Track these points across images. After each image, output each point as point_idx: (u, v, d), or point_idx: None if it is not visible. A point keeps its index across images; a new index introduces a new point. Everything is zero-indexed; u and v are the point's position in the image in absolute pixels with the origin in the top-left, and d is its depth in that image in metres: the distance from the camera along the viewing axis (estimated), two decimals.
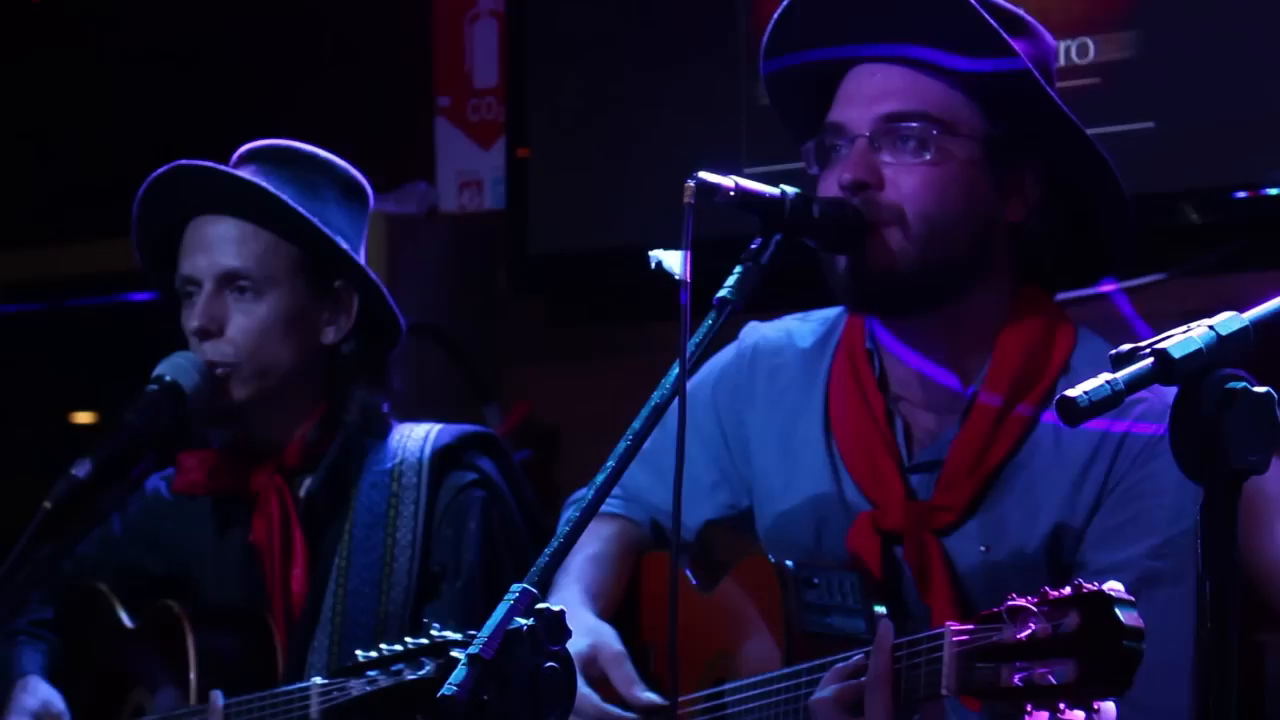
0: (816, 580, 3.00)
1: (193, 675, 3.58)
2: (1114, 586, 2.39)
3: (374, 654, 3.05)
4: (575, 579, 3.25)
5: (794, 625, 2.98)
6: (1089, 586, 2.40)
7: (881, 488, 3.10)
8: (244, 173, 3.68)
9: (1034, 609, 2.42)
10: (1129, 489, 2.99)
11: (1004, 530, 3.04)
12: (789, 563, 3.03)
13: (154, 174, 3.70)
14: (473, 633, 2.42)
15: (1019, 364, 3.07)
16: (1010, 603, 2.45)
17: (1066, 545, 3.01)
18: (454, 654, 2.92)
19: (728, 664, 3.12)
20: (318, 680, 3.20)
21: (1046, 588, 2.44)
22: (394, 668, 3.00)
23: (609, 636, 3.17)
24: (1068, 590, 2.41)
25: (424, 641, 2.96)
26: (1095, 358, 3.06)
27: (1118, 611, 2.37)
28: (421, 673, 2.96)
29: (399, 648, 3.01)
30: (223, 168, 3.68)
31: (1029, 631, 2.41)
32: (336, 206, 3.72)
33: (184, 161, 3.67)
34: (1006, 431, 3.05)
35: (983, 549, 3.04)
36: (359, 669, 3.06)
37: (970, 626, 2.51)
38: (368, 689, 3.03)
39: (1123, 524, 2.99)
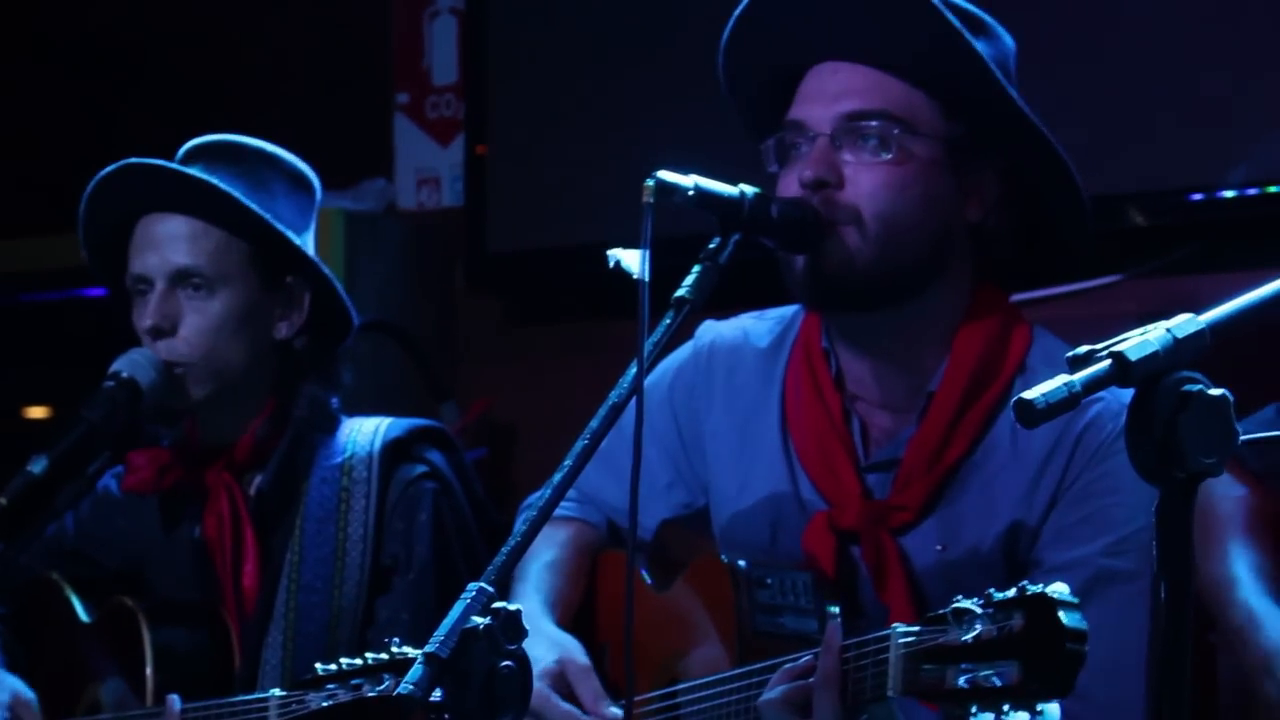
0: (769, 580, 3.00)
1: (149, 671, 3.57)
2: (1058, 588, 2.40)
3: (333, 667, 3.03)
4: (535, 588, 3.25)
5: (746, 626, 2.98)
6: (1033, 589, 2.41)
7: (838, 487, 3.10)
8: (192, 170, 3.66)
9: (979, 611, 2.43)
10: (1085, 487, 3.01)
11: (961, 529, 3.05)
12: (741, 563, 3.03)
13: (102, 172, 3.68)
14: (431, 651, 2.42)
15: (975, 363, 3.07)
16: (956, 604, 2.46)
17: (1022, 543, 3.03)
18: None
19: (682, 664, 3.12)
20: (276, 692, 3.19)
21: (992, 590, 2.45)
22: (354, 682, 2.99)
23: (574, 650, 3.17)
24: (1012, 592, 2.42)
25: (384, 657, 2.95)
26: (1051, 357, 3.08)
27: (1061, 614, 2.38)
28: (380, 688, 2.95)
29: (359, 662, 3.00)
30: (172, 165, 3.67)
31: (974, 633, 2.42)
32: (285, 199, 3.72)
33: (133, 160, 3.65)
34: (963, 430, 3.06)
35: (939, 548, 3.05)
36: (318, 682, 3.05)
37: (916, 628, 2.52)
38: (326, 703, 3.01)
39: (1078, 522, 3.00)
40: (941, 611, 2.48)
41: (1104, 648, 2.85)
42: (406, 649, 2.93)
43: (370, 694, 2.94)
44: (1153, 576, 2.88)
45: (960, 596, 2.48)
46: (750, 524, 3.20)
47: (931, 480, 3.05)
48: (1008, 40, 3.14)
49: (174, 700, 3.42)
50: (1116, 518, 2.99)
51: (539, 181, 4.97)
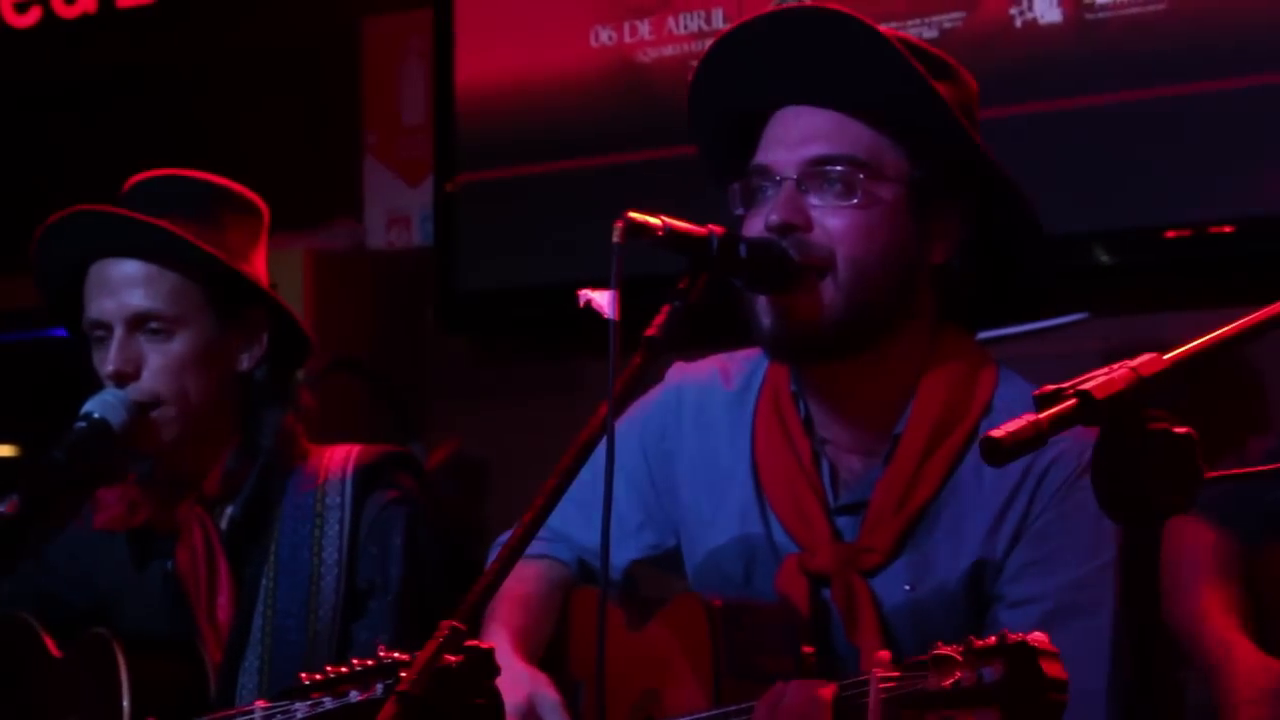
0: (746, 619, 3.01)
1: (125, 703, 3.56)
2: (1038, 637, 2.41)
3: (319, 676, 3.03)
4: (504, 624, 3.25)
5: (722, 665, 2.99)
6: (1014, 637, 2.41)
7: (808, 530, 3.11)
8: (140, 210, 3.66)
9: (958, 657, 2.42)
10: (1048, 525, 3.02)
11: (929, 569, 3.06)
12: (717, 601, 3.04)
13: (51, 218, 3.68)
14: (403, 690, 2.40)
15: (941, 405, 3.09)
16: (935, 650, 2.46)
17: (986, 579, 3.04)
18: (403, 674, 2.91)
19: (656, 703, 3.12)
20: (259, 704, 3.18)
21: (971, 637, 2.46)
22: (341, 689, 2.98)
23: (544, 686, 3.16)
24: (992, 640, 2.42)
25: (371, 663, 2.94)
26: (1017, 397, 3.09)
27: (1041, 663, 2.38)
28: (371, 695, 2.94)
29: (345, 670, 2.99)
30: (121, 212, 3.66)
31: (954, 679, 2.42)
32: (234, 229, 3.72)
33: (82, 207, 3.64)
34: (930, 472, 3.07)
35: (907, 588, 3.06)
36: (304, 691, 3.04)
37: (896, 673, 2.53)
38: (313, 711, 3.01)
39: (1041, 558, 3.02)
40: (921, 658, 2.48)
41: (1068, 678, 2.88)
42: (395, 653, 2.92)
43: (354, 699, 2.93)
44: (1115, 613, 2.94)
45: (939, 643, 2.48)
46: (723, 565, 3.21)
47: (900, 522, 3.06)
48: (970, 82, 3.16)
49: None
50: (1078, 555, 3.00)
51: (508, 221, 4.99)
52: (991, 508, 3.04)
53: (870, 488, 3.09)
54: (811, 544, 3.10)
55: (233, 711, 3.29)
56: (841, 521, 3.12)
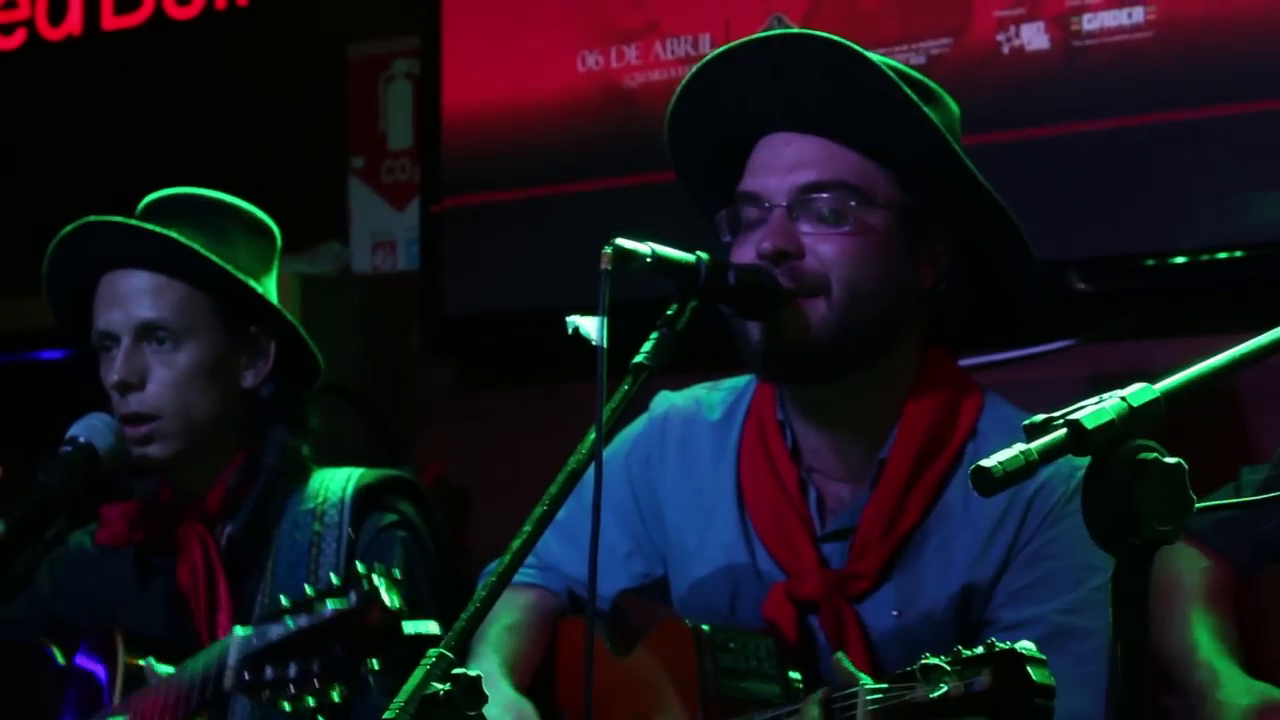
0: (732, 645, 3.01)
1: (119, 682, 3.56)
2: (1026, 645, 2.42)
3: (295, 597, 3.03)
4: (493, 650, 3.25)
5: (709, 690, 2.98)
6: (1001, 645, 2.41)
7: (795, 558, 3.11)
8: (151, 224, 3.67)
9: (947, 668, 2.43)
10: (1037, 550, 3.03)
11: (917, 594, 3.06)
12: (705, 626, 3.03)
13: (62, 232, 3.69)
14: (391, 718, 2.40)
15: (927, 429, 3.09)
16: (923, 661, 2.46)
17: (975, 604, 3.04)
18: (374, 579, 2.91)
19: None
20: (237, 630, 3.17)
21: (959, 647, 2.46)
22: (315, 605, 2.98)
23: (529, 714, 3.17)
24: (980, 649, 2.42)
25: (344, 580, 2.96)
26: (1003, 422, 3.10)
27: (1029, 670, 2.39)
28: (344, 605, 2.94)
29: (320, 589, 3.00)
30: (131, 221, 3.68)
31: (942, 690, 2.43)
32: (245, 248, 3.73)
33: (92, 219, 3.66)
34: (916, 497, 3.07)
35: (895, 613, 3.06)
36: (278, 614, 3.05)
37: (884, 685, 2.52)
38: (287, 632, 3.01)
39: (1032, 584, 3.02)
40: (910, 669, 2.49)
41: (1062, 704, 2.87)
42: (372, 572, 2.93)
43: (329, 614, 2.93)
44: (1108, 640, 2.93)
45: (927, 654, 2.48)
46: (709, 594, 3.21)
47: (887, 548, 3.06)
48: (954, 106, 3.17)
49: (151, 661, 3.41)
50: (1070, 579, 3.01)
51: (495, 245, 4.98)
52: (980, 531, 3.05)
53: (857, 514, 3.09)
54: (799, 571, 3.10)
55: (213, 645, 3.27)
56: (828, 549, 3.12)
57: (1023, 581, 3.03)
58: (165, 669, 3.37)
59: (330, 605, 2.98)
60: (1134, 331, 4.19)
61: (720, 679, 2.98)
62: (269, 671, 3.05)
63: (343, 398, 4.86)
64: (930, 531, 3.08)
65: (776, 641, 3.03)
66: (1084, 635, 2.98)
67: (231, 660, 3.13)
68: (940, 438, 3.10)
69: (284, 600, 3.08)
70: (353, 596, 2.95)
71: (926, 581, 3.06)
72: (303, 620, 3.00)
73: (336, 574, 3.62)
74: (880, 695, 2.53)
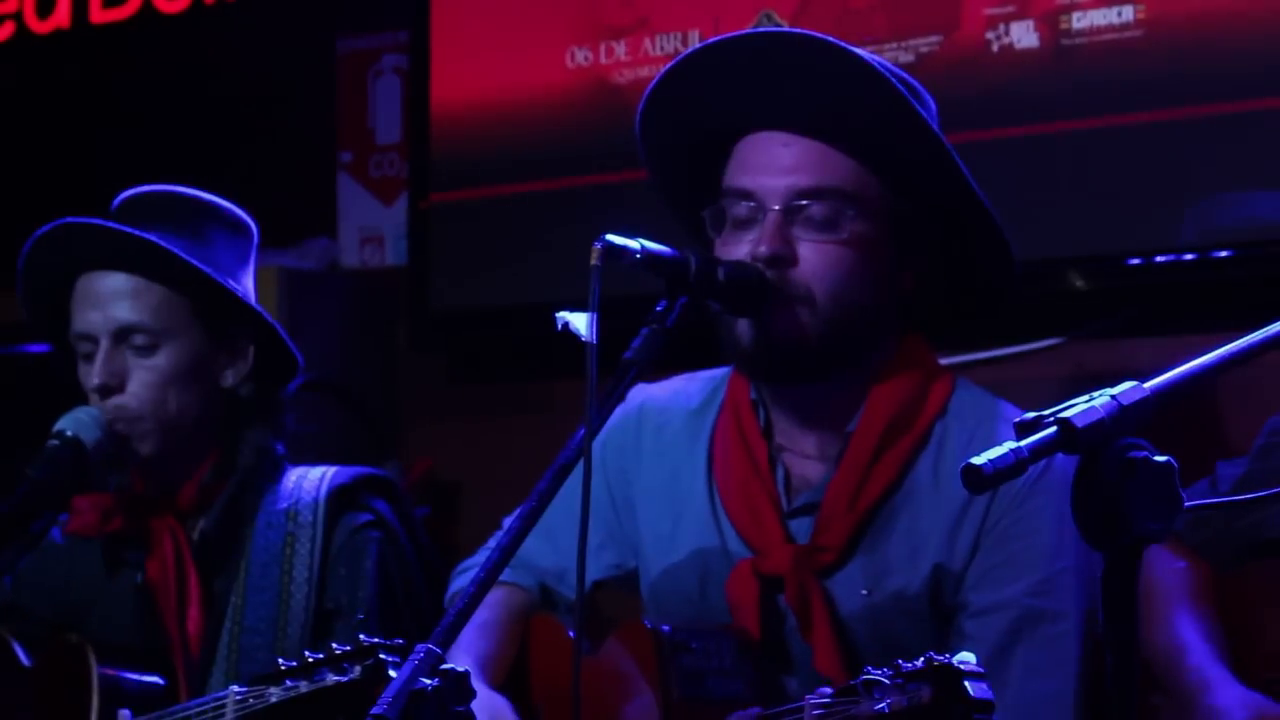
0: (694, 645, 3.01)
1: (95, 701, 3.54)
2: (964, 659, 2.43)
3: (295, 662, 3.01)
4: (465, 650, 3.24)
5: (671, 692, 2.99)
6: (939, 659, 2.43)
7: (761, 533, 3.12)
8: (128, 224, 3.66)
9: (888, 681, 2.45)
10: (1006, 530, 3.04)
11: (886, 572, 3.06)
12: (665, 627, 3.04)
13: (38, 232, 3.68)
14: (400, 641, 2.39)
15: (895, 406, 3.10)
16: (866, 675, 2.48)
17: (947, 587, 3.05)
18: (382, 656, 2.89)
19: None
20: (235, 688, 3.16)
21: (900, 660, 2.48)
22: (317, 673, 2.96)
23: (505, 710, 3.17)
24: (920, 663, 2.45)
25: (349, 648, 2.93)
26: (972, 404, 3.13)
27: (967, 685, 2.41)
28: (347, 677, 2.92)
29: (322, 655, 2.97)
30: (110, 224, 3.66)
31: (886, 703, 2.45)
32: (223, 248, 3.72)
33: (70, 219, 3.64)
34: (882, 471, 3.08)
35: (864, 592, 3.07)
36: (278, 677, 3.03)
37: (828, 699, 2.54)
38: (287, 695, 2.99)
39: (1001, 564, 3.03)
40: (852, 683, 2.50)
41: (1034, 687, 2.89)
42: (376, 638, 2.91)
43: (330, 682, 2.91)
44: (1079, 620, 2.94)
45: (868, 669, 2.50)
46: (679, 579, 3.21)
47: (852, 520, 3.07)
48: (933, 104, 3.17)
49: (125, 714, 3.40)
50: (1039, 558, 3.02)
51: (482, 241, 4.98)
52: (949, 511, 3.06)
53: (822, 490, 3.10)
54: (765, 546, 3.10)
55: (206, 699, 3.26)
56: (795, 525, 3.13)
57: (993, 561, 3.04)
58: None
59: (331, 676, 2.94)
60: (1121, 330, 4.19)
61: (681, 680, 2.98)
62: None
63: (330, 393, 4.86)
64: (899, 510, 3.09)
65: (739, 636, 3.04)
66: (1054, 618, 3.00)
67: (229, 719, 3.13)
68: (908, 415, 3.11)
69: (281, 663, 3.05)
70: (357, 670, 2.91)
71: (896, 560, 3.07)
72: (303, 686, 2.96)
73: (309, 574, 3.64)
74: (822, 710, 2.54)
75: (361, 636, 2.91)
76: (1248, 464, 3.21)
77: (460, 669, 2.42)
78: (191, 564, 3.67)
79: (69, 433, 3.58)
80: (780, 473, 3.16)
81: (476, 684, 3.13)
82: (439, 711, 2.38)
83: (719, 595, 3.14)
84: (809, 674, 3.02)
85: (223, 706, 3.15)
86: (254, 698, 3.07)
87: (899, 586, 3.06)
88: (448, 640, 2.50)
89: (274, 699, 3.01)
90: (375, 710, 2.35)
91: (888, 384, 3.11)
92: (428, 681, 2.39)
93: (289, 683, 2.98)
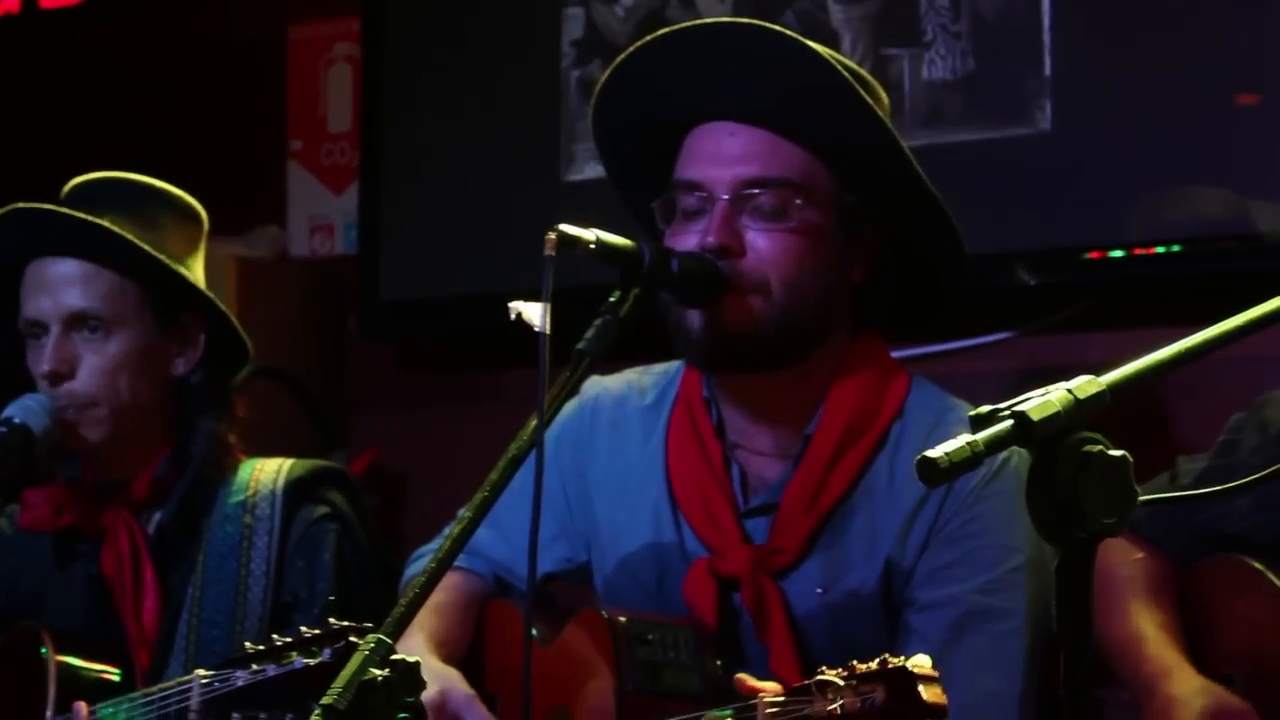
0: (650, 636, 3.01)
1: (52, 690, 3.52)
2: (918, 662, 2.43)
3: (262, 646, 2.99)
4: (418, 628, 3.23)
5: (625, 683, 2.98)
6: (893, 662, 2.44)
7: (718, 533, 3.12)
8: (79, 210, 3.64)
9: (842, 682, 2.46)
10: (957, 529, 3.05)
11: (842, 571, 3.07)
12: (622, 619, 3.03)
13: None
14: (370, 625, 2.36)
15: (853, 407, 3.11)
16: (819, 676, 2.49)
17: (896, 583, 3.07)
18: (352, 640, 2.86)
19: (566, 719, 3.11)
20: (200, 672, 3.14)
21: (854, 661, 2.48)
22: (285, 656, 2.94)
23: (456, 680, 3.17)
24: (874, 664, 2.45)
25: (318, 631, 2.91)
26: (928, 403, 3.13)
27: (920, 688, 2.41)
28: (317, 660, 2.90)
29: (290, 638, 2.95)
30: (61, 209, 3.65)
31: (839, 704, 2.45)
32: (175, 234, 3.71)
33: (21, 204, 3.63)
34: (840, 473, 3.09)
35: (819, 590, 3.07)
36: (245, 660, 3.00)
37: (782, 699, 2.54)
38: (254, 679, 2.96)
39: (951, 563, 3.05)
40: (806, 683, 2.51)
41: (979, 683, 2.90)
42: (344, 622, 2.89)
43: (299, 665, 2.88)
44: (1025, 620, 2.95)
45: (824, 668, 2.50)
46: (636, 574, 3.21)
47: (809, 522, 3.08)
48: (885, 96, 3.17)
49: (79, 706, 3.38)
50: (988, 558, 3.04)
51: (433, 230, 4.96)
52: (903, 510, 3.07)
53: (780, 490, 3.11)
54: (721, 546, 3.11)
55: (171, 683, 3.24)
56: (751, 524, 3.13)
57: (942, 560, 3.06)
58: (107, 711, 3.33)
59: (300, 659, 2.91)
60: (1072, 325, 4.20)
61: (636, 672, 2.98)
62: (236, 718, 3.01)
63: (279, 381, 4.84)
64: (856, 508, 3.10)
65: (697, 630, 3.03)
66: (1001, 615, 3.01)
67: (194, 704, 3.10)
68: (866, 416, 3.12)
69: (249, 646, 3.02)
70: (327, 654, 2.88)
71: (852, 559, 3.08)
72: (270, 669, 2.94)
73: (266, 567, 3.62)
74: (777, 709, 2.54)
75: (331, 620, 2.90)
76: (1210, 459, 3.23)
77: (411, 659, 2.41)
78: (147, 557, 3.66)
79: (16, 420, 3.57)
80: (735, 471, 3.16)
81: (428, 658, 3.17)
82: (388, 702, 2.36)
83: (676, 591, 3.14)
84: (765, 674, 3.02)
85: (188, 691, 3.13)
86: (219, 681, 3.05)
87: (855, 585, 3.07)
88: (398, 630, 2.48)
89: (240, 683, 2.99)
90: (324, 700, 2.34)
91: (846, 383, 3.11)
92: (378, 673, 2.37)
93: (256, 666, 2.96)
